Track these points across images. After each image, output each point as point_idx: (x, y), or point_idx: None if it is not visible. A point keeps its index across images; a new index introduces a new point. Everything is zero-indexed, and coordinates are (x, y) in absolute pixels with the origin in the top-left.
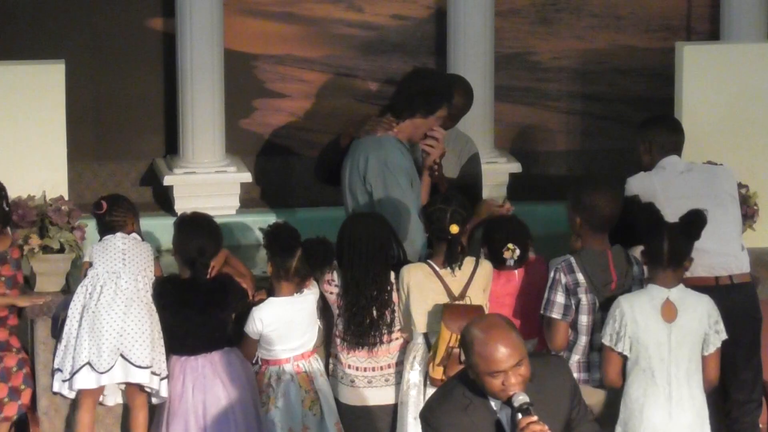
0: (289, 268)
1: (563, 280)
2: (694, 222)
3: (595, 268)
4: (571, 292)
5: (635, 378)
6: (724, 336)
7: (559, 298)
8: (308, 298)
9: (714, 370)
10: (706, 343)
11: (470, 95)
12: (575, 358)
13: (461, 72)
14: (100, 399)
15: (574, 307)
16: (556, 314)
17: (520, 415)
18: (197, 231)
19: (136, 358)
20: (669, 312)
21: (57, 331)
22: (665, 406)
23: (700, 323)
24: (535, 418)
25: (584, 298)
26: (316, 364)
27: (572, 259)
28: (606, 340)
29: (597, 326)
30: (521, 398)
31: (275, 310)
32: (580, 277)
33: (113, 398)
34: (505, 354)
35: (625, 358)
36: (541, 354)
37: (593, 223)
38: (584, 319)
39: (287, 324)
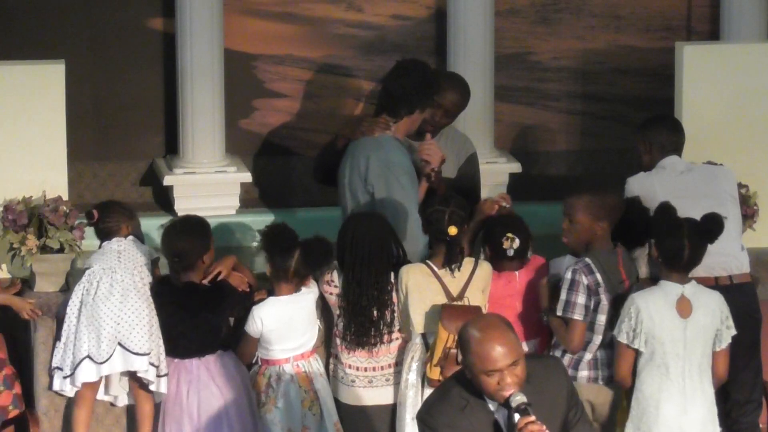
0: (288, 268)
1: (585, 281)
2: (712, 228)
3: (610, 268)
4: (592, 292)
5: (649, 374)
6: (733, 332)
7: (580, 299)
8: (307, 297)
9: (723, 366)
10: (717, 338)
11: (466, 92)
12: (588, 357)
13: (461, 72)
14: (112, 400)
15: (592, 307)
16: (578, 315)
17: (518, 416)
18: (176, 235)
19: (134, 345)
20: (684, 308)
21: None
22: (680, 402)
23: (713, 319)
24: (533, 418)
25: (604, 298)
26: (316, 365)
27: (589, 260)
28: (622, 338)
29: (607, 325)
30: (519, 398)
31: (275, 309)
32: (599, 277)
33: (123, 398)
34: (501, 353)
35: (638, 355)
36: (538, 355)
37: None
38: (602, 319)
39: (287, 323)
